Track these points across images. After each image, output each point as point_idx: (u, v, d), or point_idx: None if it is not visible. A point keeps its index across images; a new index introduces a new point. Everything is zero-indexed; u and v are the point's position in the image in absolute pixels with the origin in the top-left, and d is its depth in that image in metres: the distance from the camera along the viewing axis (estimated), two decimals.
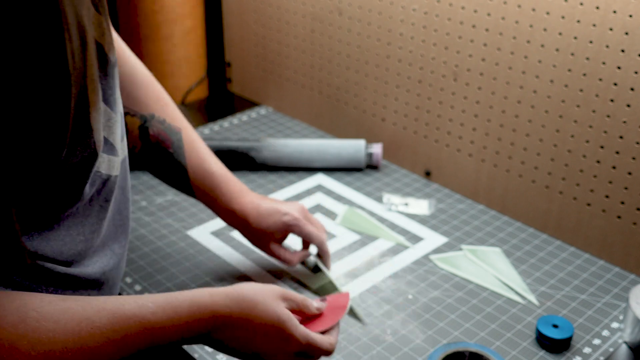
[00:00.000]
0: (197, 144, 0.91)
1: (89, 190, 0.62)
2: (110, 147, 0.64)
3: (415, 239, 1.07)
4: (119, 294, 0.94)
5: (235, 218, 0.92)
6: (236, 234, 1.07)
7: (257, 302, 0.67)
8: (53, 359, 0.55)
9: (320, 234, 0.94)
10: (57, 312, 0.57)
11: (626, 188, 0.96)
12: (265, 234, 0.92)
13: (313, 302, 0.74)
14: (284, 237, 0.94)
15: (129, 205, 0.75)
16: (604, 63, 0.94)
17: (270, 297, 0.68)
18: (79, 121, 0.55)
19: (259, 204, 0.92)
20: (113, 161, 0.65)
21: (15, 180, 0.53)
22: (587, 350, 0.86)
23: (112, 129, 0.64)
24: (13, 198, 0.54)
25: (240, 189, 0.92)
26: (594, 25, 0.93)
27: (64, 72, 0.52)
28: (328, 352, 0.71)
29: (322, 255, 0.96)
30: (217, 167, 0.92)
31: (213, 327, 0.65)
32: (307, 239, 0.94)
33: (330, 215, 1.13)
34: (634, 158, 0.94)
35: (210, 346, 0.67)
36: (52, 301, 0.57)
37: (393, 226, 1.10)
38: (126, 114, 0.87)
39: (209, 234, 1.07)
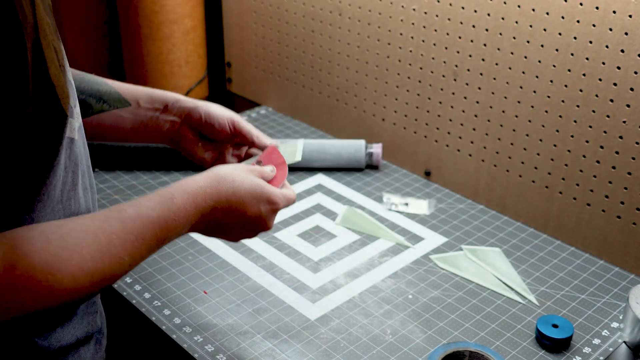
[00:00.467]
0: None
1: (63, 156, 0.63)
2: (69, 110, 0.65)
3: (415, 239, 1.07)
4: (119, 293, 0.94)
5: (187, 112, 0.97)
6: None
7: (234, 176, 0.76)
8: (87, 269, 0.59)
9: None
10: (73, 229, 0.60)
11: (626, 188, 0.96)
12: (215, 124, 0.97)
13: (265, 168, 0.84)
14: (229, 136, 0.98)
15: (93, 175, 0.76)
16: (603, 63, 0.94)
17: (242, 170, 0.78)
18: (39, 76, 0.57)
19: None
20: (72, 123, 0.66)
21: None
22: (586, 350, 0.86)
23: (70, 92, 0.65)
24: None
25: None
26: (594, 25, 0.93)
27: (16, 22, 0.53)
28: (293, 201, 0.84)
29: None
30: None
31: (205, 207, 0.72)
32: (248, 134, 0.97)
33: (330, 215, 1.13)
34: (633, 158, 0.94)
35: (212, 231, 0.76)
36: (62, 224, 0.60)
37: (393, 226, 1.10)
38: None
39: None
